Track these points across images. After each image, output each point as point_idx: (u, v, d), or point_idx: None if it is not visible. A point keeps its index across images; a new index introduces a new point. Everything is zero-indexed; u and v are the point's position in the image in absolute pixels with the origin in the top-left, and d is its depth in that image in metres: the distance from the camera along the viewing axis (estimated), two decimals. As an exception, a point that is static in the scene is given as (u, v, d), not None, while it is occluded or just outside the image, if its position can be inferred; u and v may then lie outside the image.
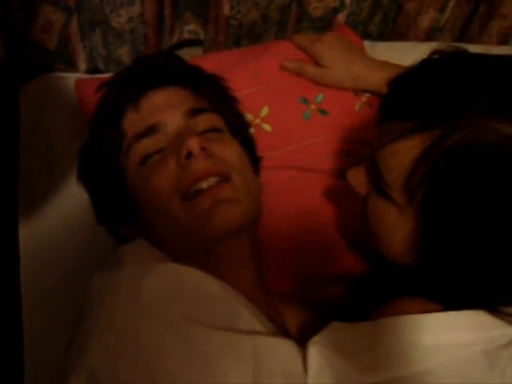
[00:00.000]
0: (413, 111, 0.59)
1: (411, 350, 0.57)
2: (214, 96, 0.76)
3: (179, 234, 0.65)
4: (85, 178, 0.76)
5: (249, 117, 0.87)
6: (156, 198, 0.66)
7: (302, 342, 0.63)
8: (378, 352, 0.58)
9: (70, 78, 0.98)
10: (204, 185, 0.64)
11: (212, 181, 0.64)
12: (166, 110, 0.69)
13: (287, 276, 0.82)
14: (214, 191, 0.64)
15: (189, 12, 1.02)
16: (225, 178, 0.65)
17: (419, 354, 0.56)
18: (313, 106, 0.90)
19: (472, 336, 0.57)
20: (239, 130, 0.77)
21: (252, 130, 0.86)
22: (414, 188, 0.58)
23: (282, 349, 0.60)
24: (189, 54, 1.03)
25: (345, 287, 0.79)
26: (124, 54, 1.02)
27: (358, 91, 0.91)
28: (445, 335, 0.57)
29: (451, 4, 1.09)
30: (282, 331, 0.66)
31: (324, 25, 1.08)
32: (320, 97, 0.91)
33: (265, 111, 0.89)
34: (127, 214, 0.71)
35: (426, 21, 1.11)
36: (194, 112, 0.70)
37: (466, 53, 0.64)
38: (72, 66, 1.01)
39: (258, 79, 0.91)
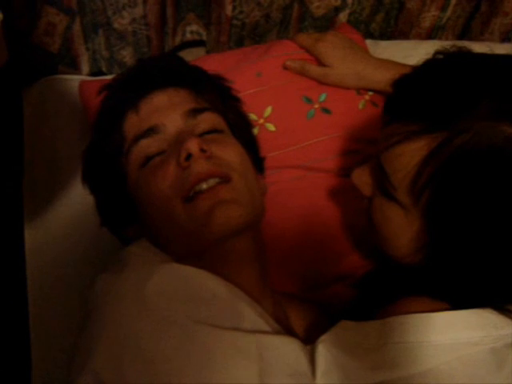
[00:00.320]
0: (418, 113, 0.59)
1: (419, 348, 0.57)
2: (215, 96, 0.76)
3: (181, 235, 0.65)
4: (89, 180, 0.76)
5: (252, 117, 0.87)
6: (157, 200, 0.65)
7: (307, 341, 0.63)
8: (385, 351, 0.58)
9: (74, 80, 0.98)
10: (204, 186, 0.64)
11: (212, 182, 0.64)
12: (165, 111, 0.69)
13: (292, 275, 0.82)
14: (213, 192, 0.63)
15: (191, 13, 1.02)
16: (225, 179, 0.65)
17: (427, 352, 0.56)
18: (316, 106, 0.90)
19: (480, 335, 0.57)
20: (241, 130, 0.77)
21: (256, 130, 0.86)
22: (419, 190, 0.58)
23: (288, 348, 0.60)
24: (192, 55, 1.04)
25: (350, 286, 0.79)
26: (127, 55, 1.02)
27: (361, 90, 0.91)
28: (452, 334, 0.57)
29: (453, 2, 1.09)
30: (287, 330, 0.66)
31: (326, 24, 1.08)
32: (323, 96, 0.91)
33: (268, 111, 0.89)
34: (130, 216, 0.71)
35: (427, 19, 1.11)
36: (194, 112, 0.70)
37: (469, 53, 0.64)
38: (75, 69, 1.01)
39: (261, 79, 0.91)
